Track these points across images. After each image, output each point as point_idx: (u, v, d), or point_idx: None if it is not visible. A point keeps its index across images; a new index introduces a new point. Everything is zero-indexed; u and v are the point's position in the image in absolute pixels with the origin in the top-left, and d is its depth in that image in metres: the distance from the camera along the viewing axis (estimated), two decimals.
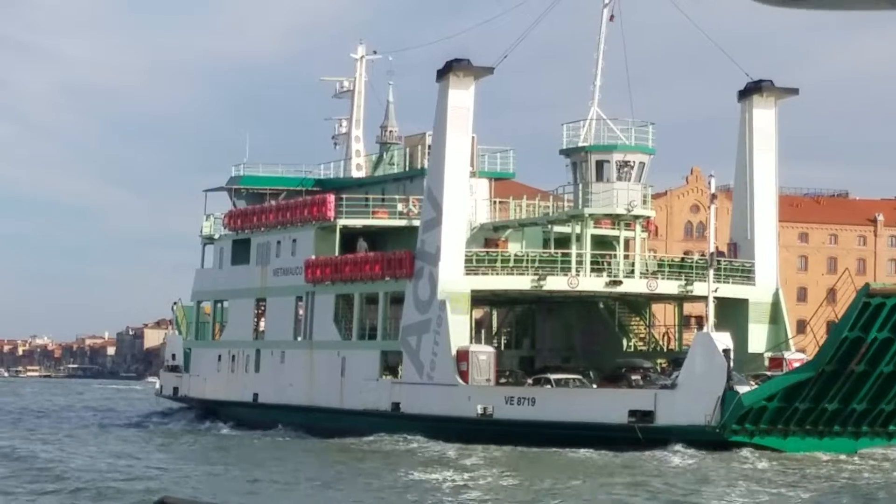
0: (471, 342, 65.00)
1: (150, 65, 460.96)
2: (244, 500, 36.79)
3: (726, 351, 55.13)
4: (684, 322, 75.63)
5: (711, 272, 58.05)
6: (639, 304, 73.90)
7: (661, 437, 55.02)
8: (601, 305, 74.25)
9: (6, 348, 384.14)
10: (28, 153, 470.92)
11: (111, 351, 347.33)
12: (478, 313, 74.78)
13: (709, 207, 59.21)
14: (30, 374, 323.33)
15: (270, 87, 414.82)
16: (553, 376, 62.77)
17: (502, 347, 76.02)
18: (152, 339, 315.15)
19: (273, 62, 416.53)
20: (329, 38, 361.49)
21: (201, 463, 50.66)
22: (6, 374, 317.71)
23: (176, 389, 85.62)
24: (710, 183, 60.62)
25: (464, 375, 62.40)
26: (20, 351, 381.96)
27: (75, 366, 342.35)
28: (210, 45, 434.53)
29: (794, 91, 67.67)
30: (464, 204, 65.34)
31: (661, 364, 69.27)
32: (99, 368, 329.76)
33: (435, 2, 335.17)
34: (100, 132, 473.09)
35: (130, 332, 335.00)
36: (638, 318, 74.91)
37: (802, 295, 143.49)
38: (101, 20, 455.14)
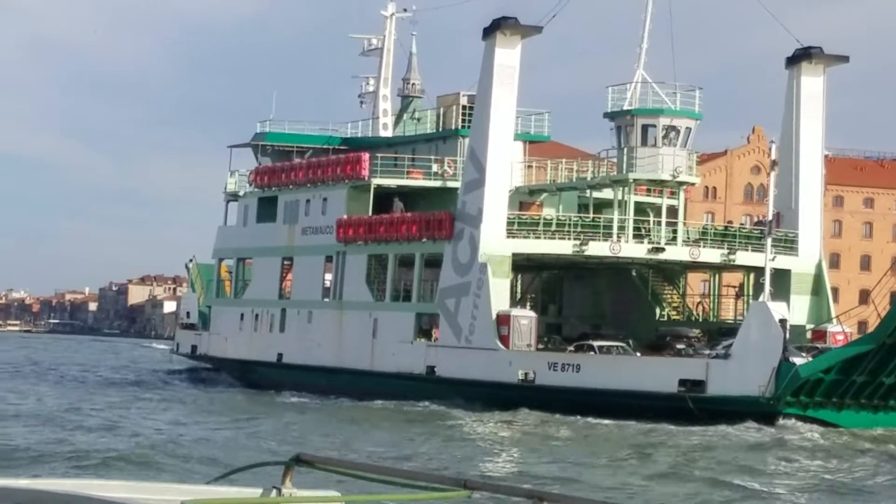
0: (511, 306, 63.65)
1: (111, 20, 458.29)
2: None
3: (783, 321, 53.56)
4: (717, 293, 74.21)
5: (769, 241, 56.49)
6: (674, 273, 72.40)
7: (713, 408, 53.69)
8: (634, 273, 72.86)
9: None
10: None
11: (93, 307, 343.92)
12: None
13: (769, 174, 57.70)
14: (10, 328, 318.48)
15: (238, 44, 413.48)
16: (596, 343, 61.37)
17: None
18: (137, 295, 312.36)
19: (239, 20, 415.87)
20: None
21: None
22: None
23: (194, 348, 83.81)
24: (771, 148, 59.06)
25: (504, 340, 60.90)
26: None
27: (56, 321, 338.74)
28: (174, 3, 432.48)
29: (845, 59, 66.11)
30: (507, 166, 63.73)
31: (697, 334, 68.06)
32: (80, 324, 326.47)
33: None
34: (65, 87, 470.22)
35: (114, 288, 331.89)
36: (671, 287, 73.45)
37: (866, 263, 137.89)
38: None
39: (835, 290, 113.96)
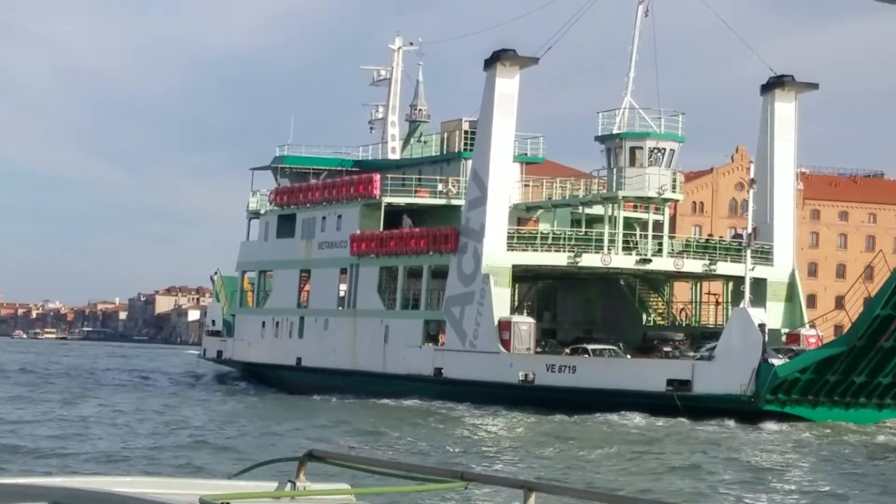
0: (511, 314, 64.49)
1: (134, 50, 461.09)
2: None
3: (761, 326, 54.44)
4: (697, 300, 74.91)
5: (749, 252, 57.29)
6: (659, 282, 73.22)
7: (698, 405, 54.48)
8: (622, 282, 73.67)
9: (20, 311, 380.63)
10: (25, 130, 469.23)
11: (123, 315, 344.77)
12: None
13: (748, 191, 58.55)
14: (47, 335, 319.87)
15: (252, 73, 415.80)
16: (590, 346, 62.19)
17: None
18: (163, 305, 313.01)
19: (249, 52, 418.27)
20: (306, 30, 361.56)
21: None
22: (24, 336, 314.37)
23: (220, 353, 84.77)
24: (750, 168, 60.00)
25: (505, 344, 61.73)
26: (34, 314, 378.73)
27: (89, 329, 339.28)
28: (191, 34, 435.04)
29: (815, 86, 66.94)
30: (507, 185, 64.61)
31: (681, 338, 68.70)
32: (111, 332, 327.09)
33: None
34: (96, 112, 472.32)
35: (142, 299, 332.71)
36: (657, 295, 74.28)
37: (841, 272, 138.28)
38: (92, 6, 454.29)
39: (812, 297, 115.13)
